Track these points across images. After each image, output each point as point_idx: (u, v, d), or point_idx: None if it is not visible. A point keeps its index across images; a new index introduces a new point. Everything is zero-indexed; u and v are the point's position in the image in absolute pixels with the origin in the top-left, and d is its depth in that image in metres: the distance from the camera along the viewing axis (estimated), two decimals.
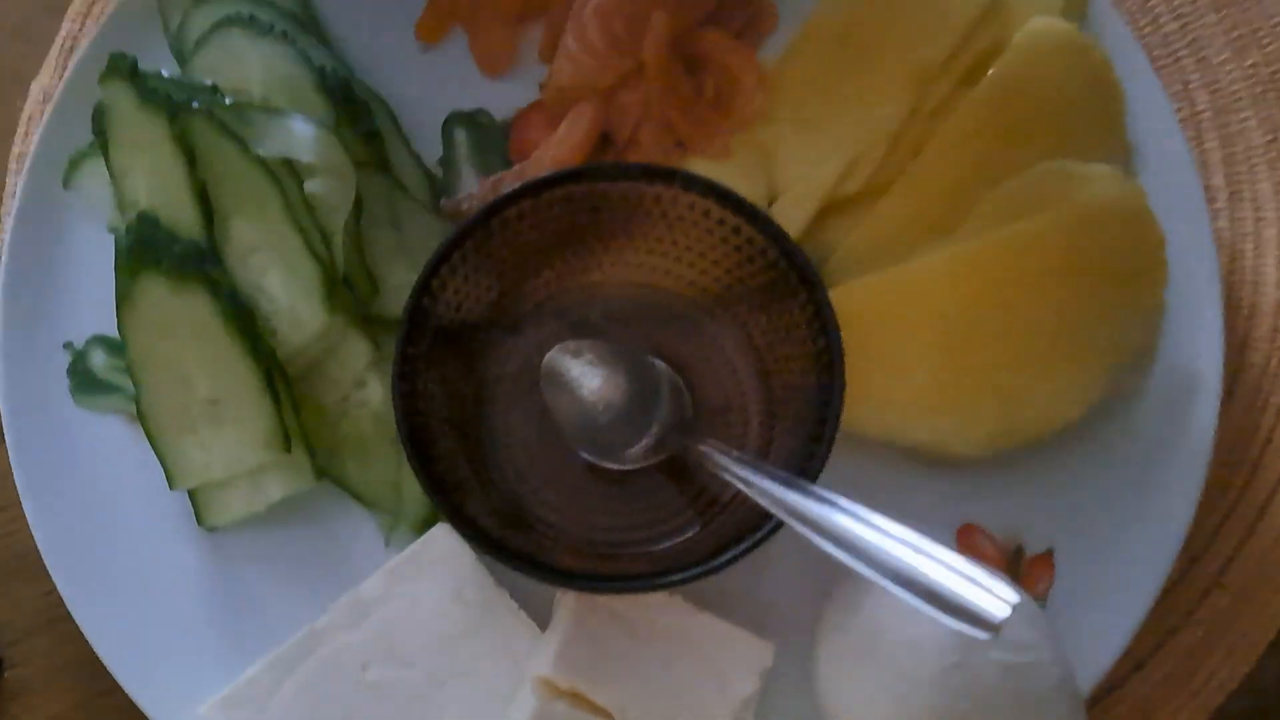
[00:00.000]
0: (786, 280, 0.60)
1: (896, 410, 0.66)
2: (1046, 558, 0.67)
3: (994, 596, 0.49)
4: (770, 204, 0.69)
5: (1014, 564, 0.67)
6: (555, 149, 0.69)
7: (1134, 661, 0.69)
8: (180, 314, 0.64)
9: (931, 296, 0.65)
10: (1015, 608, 0.49)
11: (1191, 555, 0.71)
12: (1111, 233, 0.65)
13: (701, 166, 0.69)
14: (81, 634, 0.64)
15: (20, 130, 0.78)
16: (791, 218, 0.68)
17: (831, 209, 0.69)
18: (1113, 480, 0.67)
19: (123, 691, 0.63)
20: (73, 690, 0.69)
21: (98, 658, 0.64)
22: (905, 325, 0.65)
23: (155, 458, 0.65)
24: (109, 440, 0.68)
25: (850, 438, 0.66)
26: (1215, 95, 0.79)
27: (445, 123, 0.73)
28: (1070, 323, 0.65)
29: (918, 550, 0.51)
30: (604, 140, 0.71)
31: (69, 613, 0.64)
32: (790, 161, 0.70)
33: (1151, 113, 0.71)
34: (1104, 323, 0.65)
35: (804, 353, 0.60)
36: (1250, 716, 0.71)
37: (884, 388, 0.65)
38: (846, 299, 0.63)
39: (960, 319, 0.65)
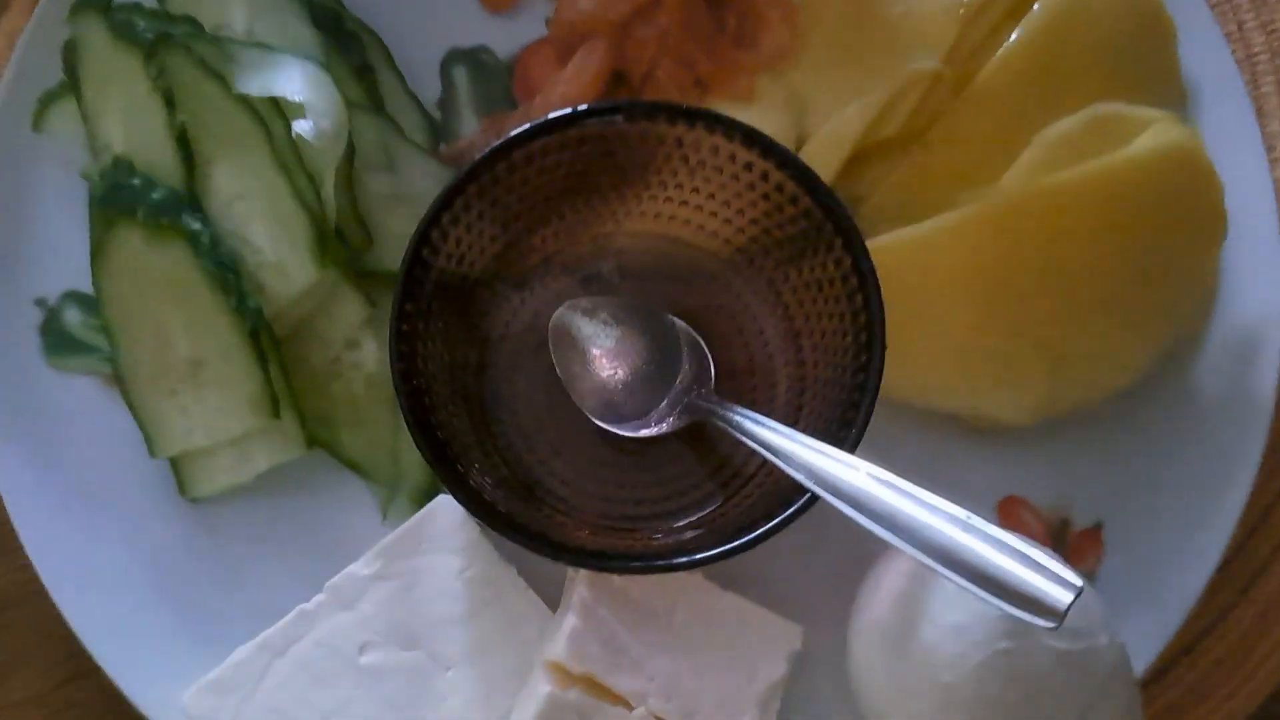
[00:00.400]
0: (820, 231, 0.57)
1: (935, 374, 0.63)
2: (1095, 532, 0.65)
3: (1055, 581, 0.46)
4: (797, 149, 0.66)
5: (1059, 539, 0.65)
6: (564, 88, 0.66)
7: (1184, 643, 0.67)
8: (158, 268, 0.62)
9: (973, 250, 0.62)
10: (1080, 593, 0.45)
11: (1248, 528, 0.68)
12: (1166, 181, 0.63)
13: (723, 108, 0.65)
14: (58, 611, 0.62)
15: None
16: (821, 164, 0.64)
17: (864, 154, 0.66)
18: (1166, 448, 0.66)
19: (103, 673, 0.61)
20: (50, 670, 0.66)
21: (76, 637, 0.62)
22: (945, 282, 0.62)
23: (135, 423, 0.63)
24: (85, 404, 0.65)
25: (883, 404, 0.63)
26: (1272, 37, 0.76)
27: (444, 61, 0.70)
28: (1123, 278, 0.63)
29: (968, 529, 0.48)
30: (617, 79, 0.68)
31: (45, 589, 0.62)
32: (820, 103, 0.67)
33: (1206, 54, 0.70)
34: (1159, 278, 0.63)
35: (838, 311, 0.57)
36: None
37: (921, 350, 0.62)
38: (880, 253, 0.59)
39: (1004, 275, 0.62)
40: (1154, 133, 0.62)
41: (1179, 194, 0.63)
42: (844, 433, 0.54)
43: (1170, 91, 0.68)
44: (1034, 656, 0.52)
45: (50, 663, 0.66)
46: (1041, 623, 0.45)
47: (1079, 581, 0.46)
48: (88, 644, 0.61)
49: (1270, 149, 0.73)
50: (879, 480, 0.50)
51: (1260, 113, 0.74)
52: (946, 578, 0.47)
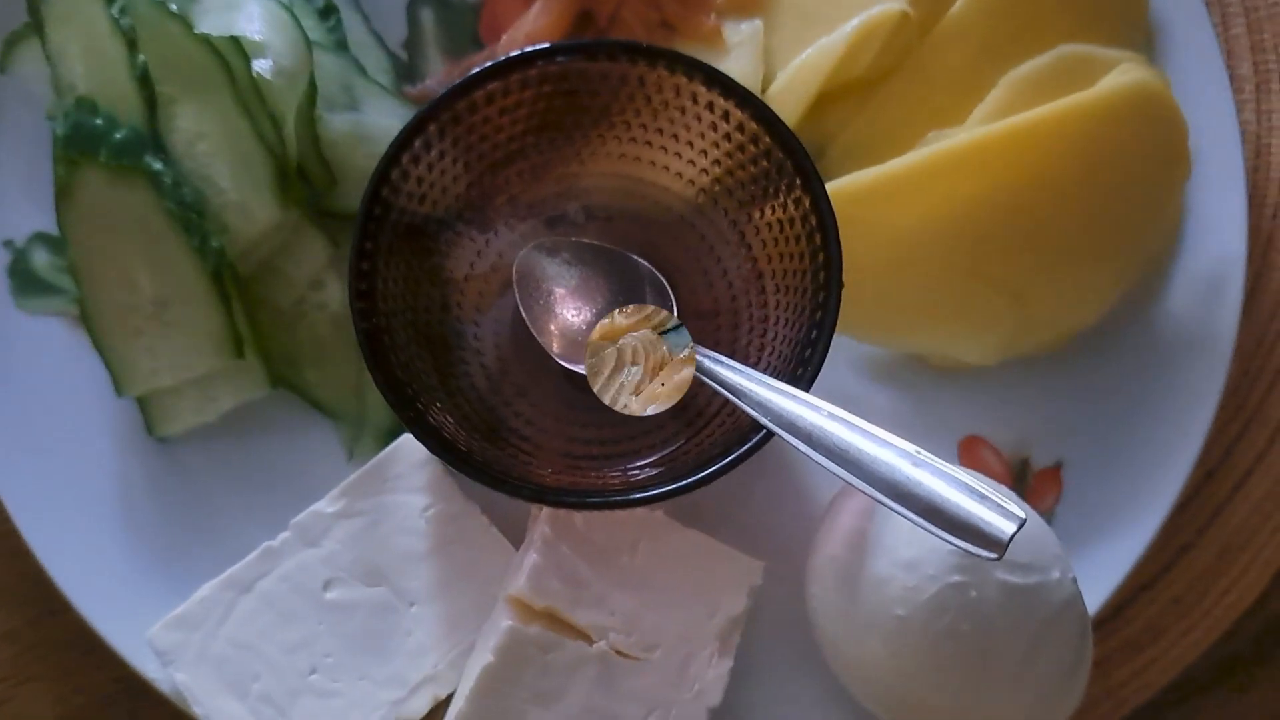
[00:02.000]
0: (780, 171, 0.56)
1: (899, 315, 0.63)
2: (1054, 471, 0.65)
3: (1000, 513, 0.46)
4: (764, 89, 0.66)
5: (1020, 478, 0.65)
6: (530, 27, 0.65)
7: (1142, 581, 0.67)
8: (121, 208, 0.61)
9: (938, 191, 0.62)
10: (1022, 525, 0.45)
11: (1207, 469, 0.68)
12: (1132, 122, 0.62)
13: (690, 49, 0.65)
14: (29, 548, 0.62)
15: None
16: (787, 104, 0.64)
17: (831, 95, 0.66)
18: (1126, 388, 0.65)
19: (73, 609, 0.61)
20: (23, 607, 0.67)
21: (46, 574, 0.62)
22: (909, 222, 0.62)
23: (102, 363, 0.63)
24: (53, 344, 0.65)
25: (847, 345, 0.63)
26: None
27: (410, 2, 0.69)
28: (1088, 218, 0.62)
29: (917, 463, 0.48)
30: (584, 19, 0.67)
31: (15, 527, 0.62)
32: (786, 43, 0.66)
33: None
34: (1123, 219, 0.63)
35: (798, 251, 0.57)
36: (1263, 639, 0.69)
37: (886, 290, 0.62)
38: (844, 193, 0.60)
39: (969, 215, 0.62)
40: (1120, 73, 0.62)
41: (1144, 134, 0.62)
42: (800, 371, 0.54)
43: (1137, 32, 0.67)
44: (985, 590, 0.52)
45: (22, 599, 0.66)
46: (984, 554, 0.45)
47: (1022, 513, 0.46)
48: (57, 580, 0.61)
49: (1239, 90, 0.72)
50: (833, 417, 0.50)
51: (1230, 54, 0.72)
52: (894, 510, 0.47)
